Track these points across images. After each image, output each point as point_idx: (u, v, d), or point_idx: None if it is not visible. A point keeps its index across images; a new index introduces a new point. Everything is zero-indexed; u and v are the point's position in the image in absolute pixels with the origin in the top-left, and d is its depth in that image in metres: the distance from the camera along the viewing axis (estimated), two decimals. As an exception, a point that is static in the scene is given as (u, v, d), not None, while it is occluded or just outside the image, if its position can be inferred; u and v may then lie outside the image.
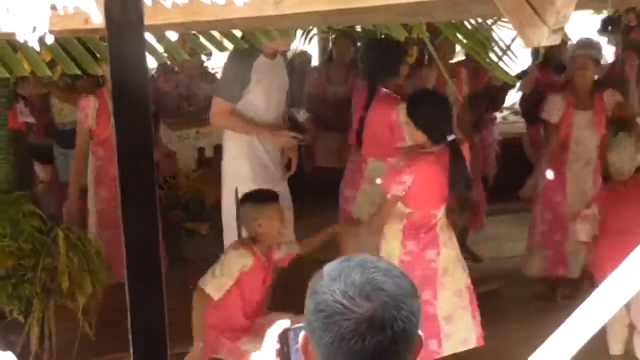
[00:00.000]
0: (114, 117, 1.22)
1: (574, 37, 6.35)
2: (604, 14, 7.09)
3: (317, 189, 6.31)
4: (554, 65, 6.03)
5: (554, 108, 4.92)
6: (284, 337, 1.35)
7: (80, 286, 4.06)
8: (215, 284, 3.67)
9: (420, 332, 1.29)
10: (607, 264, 3.25)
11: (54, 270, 4.05)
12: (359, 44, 6.71)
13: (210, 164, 6.01)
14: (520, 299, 5.06)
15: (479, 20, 3.92)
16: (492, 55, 4.31)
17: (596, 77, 5.12)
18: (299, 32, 5.93)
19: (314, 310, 1.26)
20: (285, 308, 3.87)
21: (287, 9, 2.05)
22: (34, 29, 1.49)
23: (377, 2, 2.07)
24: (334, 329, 1.22)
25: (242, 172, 4.27)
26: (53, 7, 1.63)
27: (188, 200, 5.60)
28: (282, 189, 4.37)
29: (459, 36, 3.75)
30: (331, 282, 1.26)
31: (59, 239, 4.03)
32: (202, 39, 3.05)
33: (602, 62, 5.43)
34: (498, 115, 6.80)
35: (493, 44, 4.37)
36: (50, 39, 1.52)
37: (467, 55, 5.05)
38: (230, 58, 4.22)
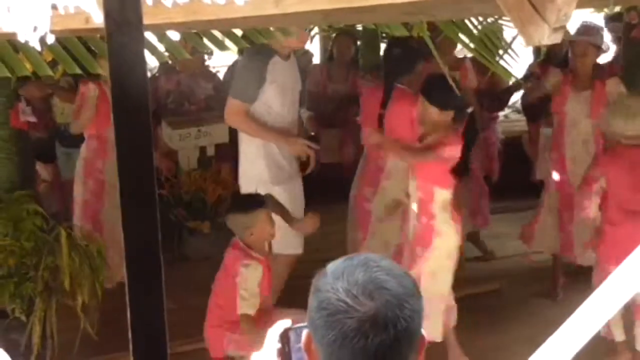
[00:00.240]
0: (113, 116, 1.22)
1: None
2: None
3: (318, 185, 6.32)
4: (555, 63, 6.01)
5: (551, 76, 5.04)
6: (284, 337, 1.36)
7: (81, 285, 4.07)
8: (250, 305, 3.76)
9: (422, 332, 1.29)
10: (620, 247, 3.17)
11: (56, 269, 4.05)
12: (359, 42, 6.72)
13: (211, 162, 6.01)
14: (522, 298, 5.05)
15: (480, 18, 3.92)
16: (493, 54, 4.31)
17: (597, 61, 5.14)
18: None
19: (317, 309, 1.26)
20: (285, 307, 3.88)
21: (287, 7, 2.05)
22: (35, 28, 1.49)
23: (378, 1, 2.07)
24: (337, 327, 1.23)
25: (259, 174, 4.27)
26: (54, 7, 1.64)
27: (189, 199, 5.60)
28: (297, 186, 4.41)
29: (460, 35, 3.75)
30: (334, 280, 1.26)
31: (61, 237, 4.03)
32: (203, 38, 3.05)
33: (604, 47, 5.39)
34: (500, 113, 6.80)
35: (502, 43, 4.37)
36: (51, 39, 1.53)
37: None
38: (245, 58, 4.23)
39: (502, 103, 6.39)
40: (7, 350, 3.83)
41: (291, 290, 4.21)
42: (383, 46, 7.15)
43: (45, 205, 4.58)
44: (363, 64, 6.64)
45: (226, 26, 2.96)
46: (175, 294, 3.48)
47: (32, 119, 4.56)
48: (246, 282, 3.78)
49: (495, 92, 5.98)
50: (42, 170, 5.83)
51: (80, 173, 4.94)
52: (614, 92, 4.81)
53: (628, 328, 4.18)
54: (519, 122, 7.35)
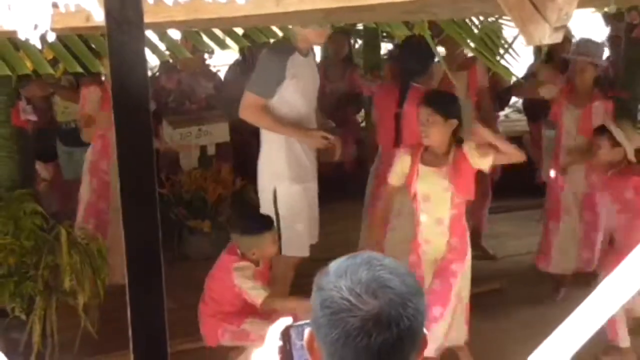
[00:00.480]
0: (114, 114, 1.21)
1: (577, 35, 6.34)
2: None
3: (319, 184, 6.32)
4: (556, 63, 6.02)
5: (545, 91, 5.12)
6: (286, 335, 1.35)
7: (81, 284, 4.06)
8: (260, 291, 3.85)
9: (425, 331, 1.29)
10: None
11: (56, 268, 4.05)
12: (354, 40, 6.73)
13: (212, 161, 6.01)
14: (522, 298, 5.05)
15: (481, 18, 3.92)
16: (494, 53, 4.31)
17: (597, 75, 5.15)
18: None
19: (320, 307, 1.26)
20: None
21: (288, 6, 2.05)
22: (36, 26, 1.49)
23: (379, 0, 2.07)
24: (340, 326, 1.23)
25: (280, 172, 4.23)
26: (54, 5, 1.63)
27: (190, 198, 5.60)
28: (314, 186, 4.39)
29: (461, 34, 3.75)
30: (338, 279, 1.26)
31: (61, 236, 4.03)
32: (204, 37, 3.05)
33: (602, 63, 5.42)
34: (500, 113, 6.80)
35: (501, 42, 4.37)
36: (51, 37, 1.52)
37: None
38: (265, 54, 4.18)
39: (503, 103, 6.39)
40: (7, 349, 3.85)
41: (293, 290, 4.22)
42: (383, 46, 7.17)
43: (45, 204, 4.58)
44: (364, 63, 6.65)
45: (227, 25, 2.96)
46: (175, 293, 3.49)
47: (33, 117, 4.56)
48: (244, 280, 3.85)
49: (495, 92, 5.97)
50: (42, 169, 5.83)
51: (87, 174, 4.95)
52: (598, 114, 4.87)
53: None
54: (520, 122, 7.35)
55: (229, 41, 3.13)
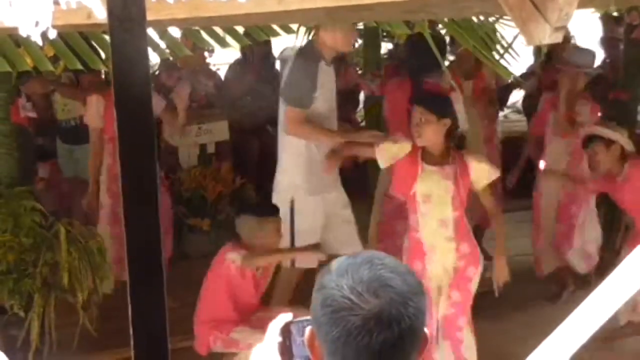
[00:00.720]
0: (116, 112, 1.21)
1: (577, 35, 6.35)
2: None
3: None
4: (557, 63, 6.01)
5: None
6: (286, 331, 1.35)
7: (80, 281, 4.07)
8: (249, 259, 3.82)
9: (425, 330, 1.29)
10: None
11: (55, 265, 4.05)
12: (357, 40, 6.71)
13: (211, 160, 6.01)
14: (522, 298, 5.04)
15: (482, 17, 3.92)
16: (494, 53, 4.31)
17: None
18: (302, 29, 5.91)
19: (321, 305, 1.26)
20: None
21: (289, 4, 2.05)
22: (37, 23, 1.49)
23: (380, -1, 2.07)
24: (341, 324, 1.23)
25: (298, 182, 4.16)
26: (56, 2, 1.63)
27: (189, 196, 5.60)
28: (337, 193, 4.33)
29: (462, 33, 3.75)
30: (339, 277, 1.26)
31: (60, 234, 4.03)
32: (204, 35, 3.05)
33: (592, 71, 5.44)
34: (500, 113, 6.79)
35: (495, 42, 4.37)
36: (52, 34, 1.52)
37: None
38: (296, 64, 4.11)
39: (501, 102, 6.38)
40: (6, 346, 3.84)
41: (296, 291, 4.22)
42: (383, 45, 7.16)
43: (43, 203, 4.57)
44: (364, 63, 6.64)
45: (228, 23, 2.96)
46: (175, 291, 3.49)
47: (33, 114, 4.56)
48: (237, 258, 3.83)
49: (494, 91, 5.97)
50: (40, 168, 5.82)
51: (104, 181, 4.91)
52: (584, 114, 4.86)
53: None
54: (519, 123, 7.35)
55: (229, 39, 3.13)
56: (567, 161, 4.98)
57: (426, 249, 3.79)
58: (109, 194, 4.84)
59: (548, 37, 2.10)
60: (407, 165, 3.79)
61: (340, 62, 6.65)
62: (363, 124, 6.95)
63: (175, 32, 3.24)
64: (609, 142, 4.45)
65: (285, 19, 3.14)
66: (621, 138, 4.44)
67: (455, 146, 3.88)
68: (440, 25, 5.21)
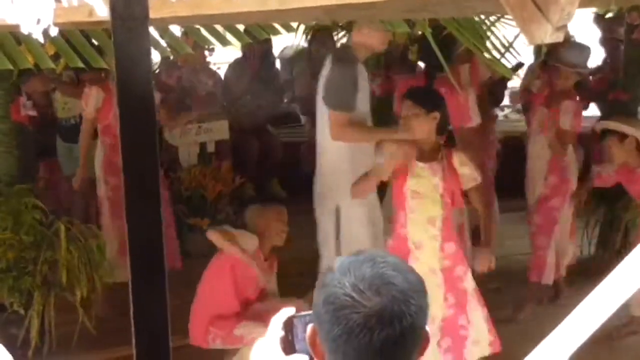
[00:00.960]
0: (118, 110, 1.21)
1: (577, 35, 6.35)
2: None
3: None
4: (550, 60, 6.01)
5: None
6: (288, 325, 1.35)
7: (80, 279, 4.07)
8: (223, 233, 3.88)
9: (427, 328, 1.29)
10: None
11: (55, 264, 4.05)
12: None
13: (211, 159, 6.01)
14: (522, 298, 5.04)
15: (482, 17, 3.92)
16: (495, 52, 4.31)
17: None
18: (301, 28, 5.91)
19: (323, 303, 1.26)
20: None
21: (290, 3, 2.05)
22: (39, 21, 1.49)
23: (381, -3, 2.07)
24: (343, 322, 1.23)
25: (342, 190, 3.95)
26: (57, 0, 1.63)
27: (189, 195, 5.60)
28: (375, 198, 4.22)
29: (462, 32, 3.75)
30: (341, 275, 1.26)
31: (60, 232, 4.04)
32: (205, 33, 3.04)
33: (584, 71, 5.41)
34: (500, 113, 6.79)
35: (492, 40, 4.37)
36: (54, 31, 1.52)
37: None
38: (335, 68, 4.05)
39: (497, 98, 6.35)
40: (5, 344, 3.83)
41: (295, 287, 4.21)
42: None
43: (43, 201, 4.56)
44: (364, 62, 6.63)
45: (229, 21, 2.95)
46: (175, 290, 3.48)
47: (33, 112, 4.56)
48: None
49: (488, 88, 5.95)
50: (40, 166, 5.81)
51: (100, 173, 4.87)
52: (567, 113, 4.78)
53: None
54: (519, 123, 7.34)
55: (230, 37, 3.12)
56: (547, 159, 4.93)
57: (411, 246, 3.71)
58: (107, 187, 4.80)
59: (549, 36, 2.10)
60: (403, 164, 3.71)
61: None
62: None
63: (175, 30, 3.24)
64: (622, 136, 4.51)
65: (286, 18, 3.14)
66: (636, 132, 4.48)
67: (447, 143, 3.88)
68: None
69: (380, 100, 5.60)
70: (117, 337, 3.77)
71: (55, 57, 3.37)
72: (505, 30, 4.48)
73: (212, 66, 7.01)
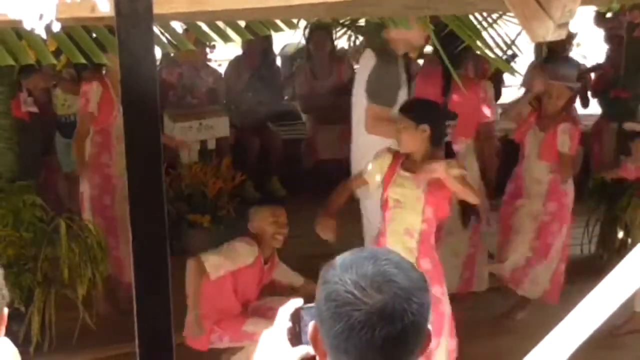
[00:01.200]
0: (122, 106, 1.21)
1: (580, 33, 6.35)
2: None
3: (319, 182, 6.31)
4: (557, 62, 6.02)
5: (514, 111, 4.89)
6: (296, 316, 1.35)
7: (80, 276, 4.07)
8: (217, 262, 3.73)
9: (429, 326, 1.29)
10: None
11: (55, 260, 4.05)
12: (357, 37, 6.70)
13: (212, 156, 6.00)
14: (521, 298, 5.04)
15: (484, 14, 3.92)
16: (497, 50, 4.31)
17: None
18: (301, 27, 5.91)
19: (325, 300, 1.26)
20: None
21: (291, 0, 2.04)
22: (41, 16, 1.48)
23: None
24: (344, 319, 1.23)
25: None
26: (59, -5, 1.62)
27: (190, 192, 5.60)
28: None
29: (464, 29, 3.74)
30: (343, 272, 1.26)
31: (60, 228, 4.04)
32: (206, 30, 3.04)
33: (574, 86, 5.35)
34: (499, 111, 6.77)
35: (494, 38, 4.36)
36: (57, 27, 1.52)
37: None
38: (378, 63, 4.05)
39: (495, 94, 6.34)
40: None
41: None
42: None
43: (43, 198, 4.56)
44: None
45: (231, 17, 2.95)
46: (174, 287, 3.48)
47: (34, 109, 4.56)
48: (235, 248, 3.78)
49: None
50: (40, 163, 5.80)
51: (86, 169, 4.86)
52: (564, 139, 4.58)
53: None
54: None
55: (231, 34, 3.11)
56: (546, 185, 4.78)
57: None
58: (90, 184, 4.74)
59: (551, 34, 2.10)
60: (389, 171, 3.68)
61: (331, 58, 6.66)
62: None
63: (176, 26, 3.23)
64: None
65: (288, 14, 3.13)
66: None
67: (446, 155, 3.84)
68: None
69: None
70: (118, 334, 3.77)
71: (57, 54, 3.37)
72: (507, 28, 4.47)
73: (212, 63, 7.01)
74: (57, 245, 4.03)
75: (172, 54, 6.00)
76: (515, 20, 2.76)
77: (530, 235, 4.71)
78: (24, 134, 4.53)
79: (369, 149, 3.94)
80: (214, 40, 3.13)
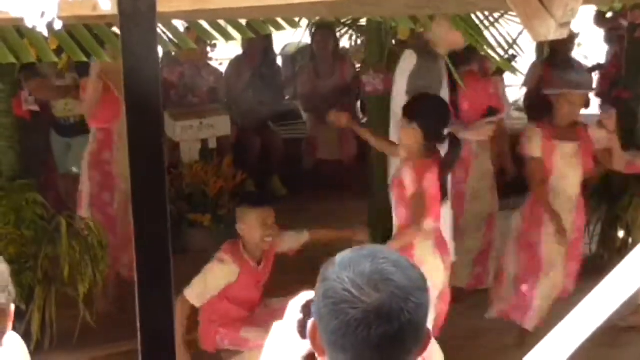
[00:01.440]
0: (125, 105, 1.21)
1: (581, 33, 6.35)
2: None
3: (319, 182, 6.32)
4: (559, 62, 6.02)
5: (534, 140, 4.34)
6: (306, 308, 1.36)
7: (81, 274, 4.07)
8: (199, 291, 3.69)
9: (428, 326, 1.29)
10: None
11: (56, 258, 4.05)
12: (359, 36, 6.71)
13: (213, 155, 6.00)
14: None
15: (486, 13, 3.92)
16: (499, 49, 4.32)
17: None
18: (304, 24, 5.90)
19: (323, 297, 1.26)
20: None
21: (293, -2, 2.05)
22: (43, 14, 1.48)
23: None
24: (341, 317, 1.23)
25: None
26: (61, -7, 1.62)
27: (191, 192, 5.60)
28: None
29: (466, 28, 3.75)
30: (341, 270, 1.27)
31: (61, 227, 4.03)
32: (208, 28, 3.04)
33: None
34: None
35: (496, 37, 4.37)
36: (58, 25, 1.52)
37: None
38: (423, 62, 4.07)
39: None
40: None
41: (294, 283, 4.19)
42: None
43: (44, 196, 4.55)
44: (367, 59, 6.63)
45: (232, 16, 2.95)
46: (176, 286, 3.47)
47: (35, 108, 4.55)
48: (212, 275, 3.70)
49: None
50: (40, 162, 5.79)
51: (85, 167, 4.86)
52: (601, 137, 4.34)
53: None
54: (520, 121, 7.33)
55: (233, 32, 3.11)
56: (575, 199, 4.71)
57: None
58: (90, 183, 4.71)
59: (553, 33, 2.10)
60: None
61: (335, 58, 6.66)
62: (364, 121, 6.95)
63: (178, 25, 3.22)
64: None
65: (289, 13, 3.13)
66: None
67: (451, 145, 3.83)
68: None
69: (381, 98, 5.58)
70: (119, 332, 3.78)
71: (58, 52, 3.36)
72: (509, 27, 4.47)
73: (213, 62, 7.01)
74: (58, 244, 4.03)
75: (173, 53, 6.00)
76: (517, 20, 2.76)
77: None
78: (25, 133, 4.52)
79: None
80: (216, 39, 3.13)
